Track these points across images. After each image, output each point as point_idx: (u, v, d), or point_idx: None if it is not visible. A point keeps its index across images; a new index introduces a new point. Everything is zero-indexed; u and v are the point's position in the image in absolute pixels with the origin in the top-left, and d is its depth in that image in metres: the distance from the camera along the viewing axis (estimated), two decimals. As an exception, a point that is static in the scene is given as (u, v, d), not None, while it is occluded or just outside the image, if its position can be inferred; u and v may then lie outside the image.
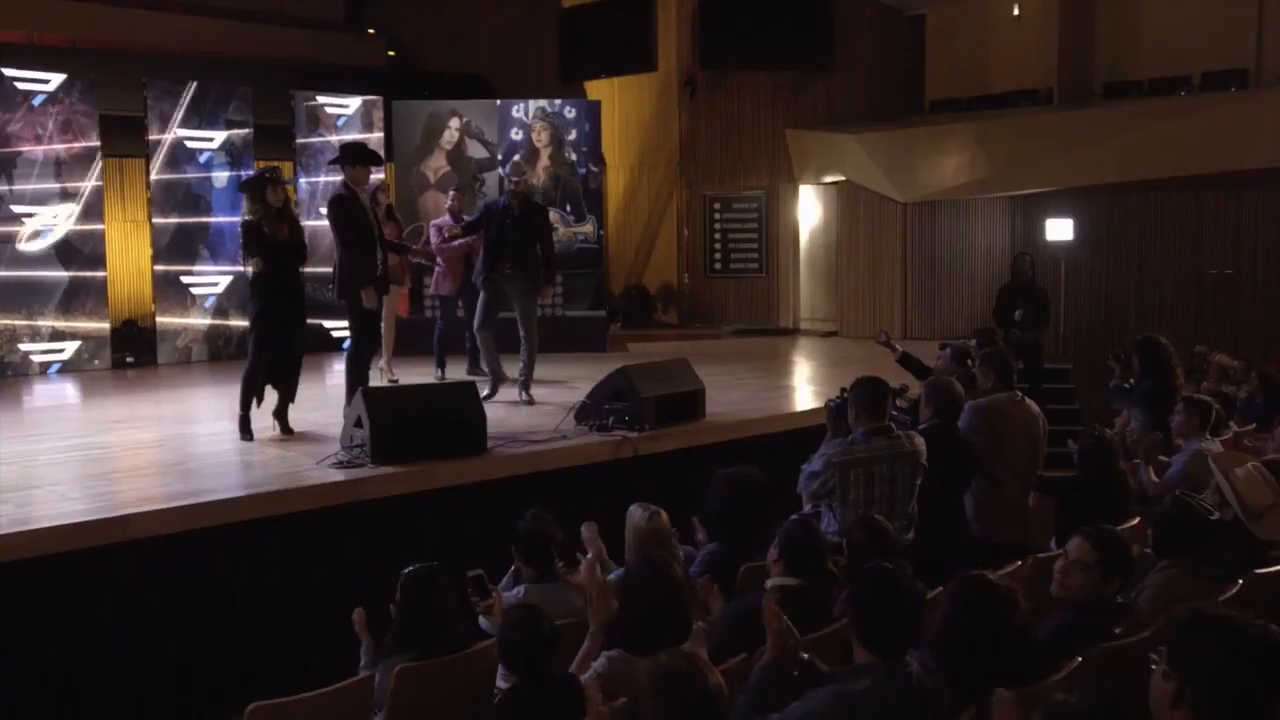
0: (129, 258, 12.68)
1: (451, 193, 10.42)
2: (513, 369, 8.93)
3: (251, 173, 10.26)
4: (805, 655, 3.30)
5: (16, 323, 10.91)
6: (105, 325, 11.49)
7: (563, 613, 4.37)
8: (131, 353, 11.80)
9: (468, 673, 4.06)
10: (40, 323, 11.02)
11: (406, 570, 4.15)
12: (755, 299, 15.59)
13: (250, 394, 7.42)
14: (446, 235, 9.53)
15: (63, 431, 7.99)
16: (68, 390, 10.37)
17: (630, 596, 3.58)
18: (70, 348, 11.19)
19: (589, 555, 4.70)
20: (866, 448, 5.21)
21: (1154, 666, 2.34)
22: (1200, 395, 6.39)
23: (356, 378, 7.42)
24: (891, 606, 3.01)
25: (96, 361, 11.32)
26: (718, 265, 15.68)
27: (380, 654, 4.16)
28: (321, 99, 12.93)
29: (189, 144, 11.83)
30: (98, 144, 11.35)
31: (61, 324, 11.15)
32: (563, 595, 4.58)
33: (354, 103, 13.05)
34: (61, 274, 11.14)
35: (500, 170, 10.51)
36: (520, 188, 8.81)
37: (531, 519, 4.77)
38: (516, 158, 9.76)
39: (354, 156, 7.58)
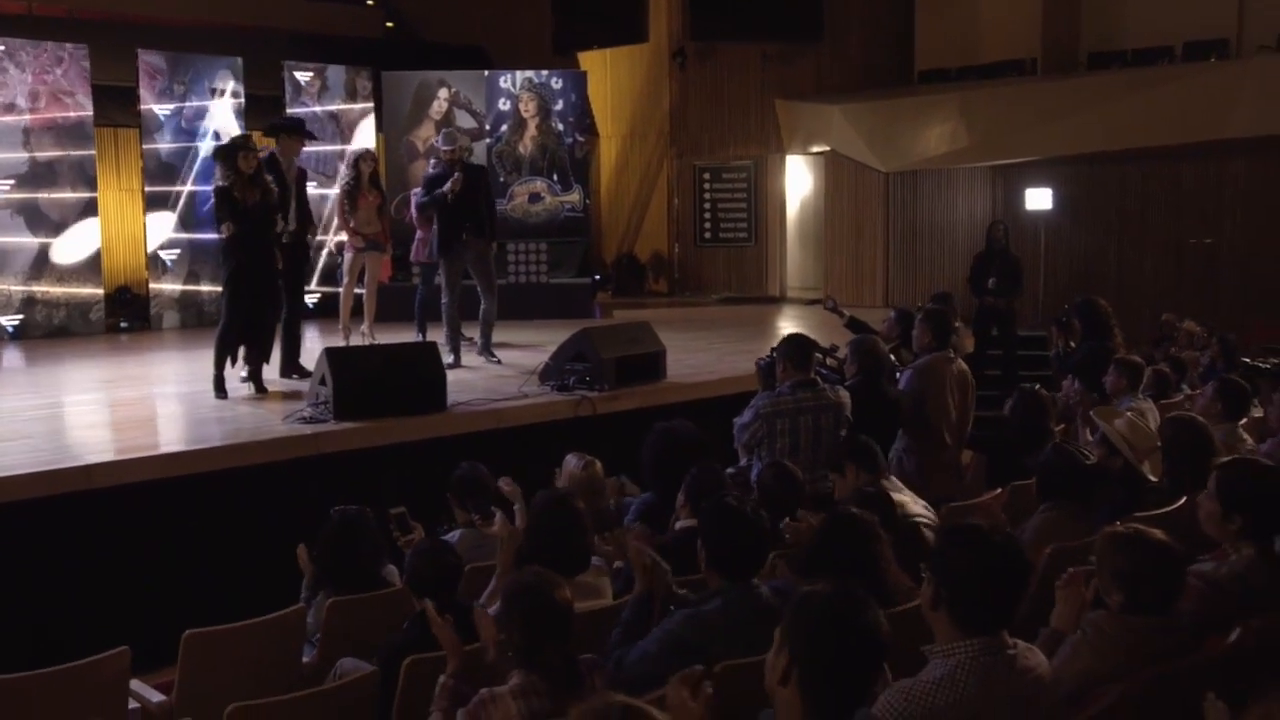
0: (123, 226, 12.95)
1: (432, 161, 10.63)
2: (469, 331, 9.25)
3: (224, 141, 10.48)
4: (682, 591, 3.57)
5: (13, 288, 11.23)
6: (100, 291, 11.79)
7: (491, 555, 4.64)
8: (125, 318, 12.10)
9: (394, 608, 4.32)
10: (36, 288, 11.33)
11: (333, 510, 4.42)
12: (745, 268, 15.78)
13: (225, 354, 7.69)
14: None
15: (47, 390, 8.29)
16: (60, 353, 10.63)
17: (534, 527, 3.85)
18: (67, 313, 11.51)
19: (516, 506, 4.95)
20: (792, 399, 5.47)
21: (924, 575, 2.57)
22: (1131, 356, 6.58)
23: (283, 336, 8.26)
24: (736, 535, 3.27)
25: (89, 326, 11.64)
26: (707, 234, 15.88)
27: (310, 587, 4.45)
28: (304, 68, 13.13)
29: (179, 114, 12.08)
30: (90, 113, 11.61)
31: (57, 290, 11.45)
32: (492, 540, 4.84)
33: (337, 72, 13.25)
34: (64, 239, 11.47)
35: (435, 140, 10.70)
36: (456, 155, 8.99)
37: (467, 468, 5.04)
38: (449, 129, 9.93)
39: (283, 128, 8.30)
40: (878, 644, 2.23)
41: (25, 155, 11.30)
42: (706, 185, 15.80)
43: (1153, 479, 4.27)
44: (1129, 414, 4.48)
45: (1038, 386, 5.87)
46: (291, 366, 8.55)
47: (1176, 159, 12.85)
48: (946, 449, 6.14)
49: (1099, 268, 13.43)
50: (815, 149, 15.07)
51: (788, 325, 12.92)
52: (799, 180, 15.86)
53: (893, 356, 6.64)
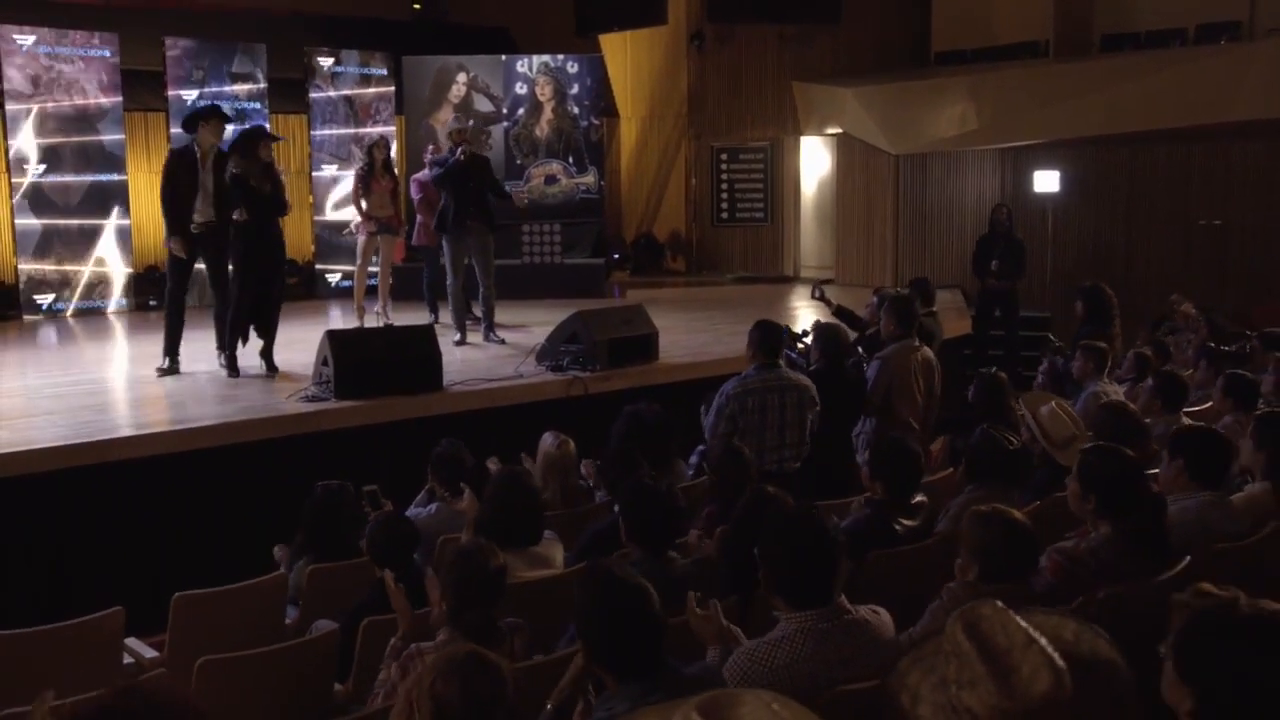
0: (153, 207, 13.34)
1: (430, 147, 11.00)
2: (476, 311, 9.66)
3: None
4: None
5: (46, 268, 11.73)
6: (129, 270, 12.26)
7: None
8: (154, 295, 12.55)
9: (367, 574, 4.69)
10: (69, 267, 11.82)
11: (316, 485, 4.79)
12: (760, 247, 16.03)
13: (236, 334, 8.12)
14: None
15: (74, 368, 8.75)
16: (89, 331, 11.11)
17: (491, 500, 4.20)
18: (98, 292, 12.01)
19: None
20: (759, 380, 5.81)
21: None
22: (1096, 342, 6.80)
23: (173, 317, 8.22)
24: (650, 510, 3.60)
25: (119, 304, 12.13)
26: (724, 214, 16.12)
27: (293, 555, 4.83)
28: (326, 53, 13.46)
29: (203, 100, 12.47)
30: (120, 99, 12.06)
31: (88, 269, 11.94)
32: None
33: (351, 56, 13.58)
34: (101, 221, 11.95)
35: (450, 125, 11.08)
36: (466, 138, 9.38)
37: (446, 446, 5.39)
38: (459, 115, 10.37)
39: (195, 118, 8.30)
40: (648, 618, 2.58)
41: (56, 140, 11.75)
42: (724, 166, 16.03)
43: (1066, 465, 4.53)
44: (1054, 403, 4.75)
45: (994, 369, 6.12)
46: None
47: (1185, 140, 12.92)
48: (912, 433, 6.42)
49: (1107, 249, 13.55)
50: (830, 131, 15.26)
51: (799, 304, 13.17)
52: (815, 161, 16.05)
53: (864, 343, 6.94)
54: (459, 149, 9.25)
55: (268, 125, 12.58)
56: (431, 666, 2.15)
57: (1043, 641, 1.66)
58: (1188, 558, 3.27)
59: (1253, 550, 3.45)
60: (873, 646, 2.75)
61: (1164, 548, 3.26)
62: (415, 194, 10.61)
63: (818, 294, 8.03)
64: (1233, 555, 3.39)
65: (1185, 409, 6.02)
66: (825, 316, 7.91)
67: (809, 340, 6.69)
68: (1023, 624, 1.68)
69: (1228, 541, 3.48)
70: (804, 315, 12.45)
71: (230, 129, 11.48)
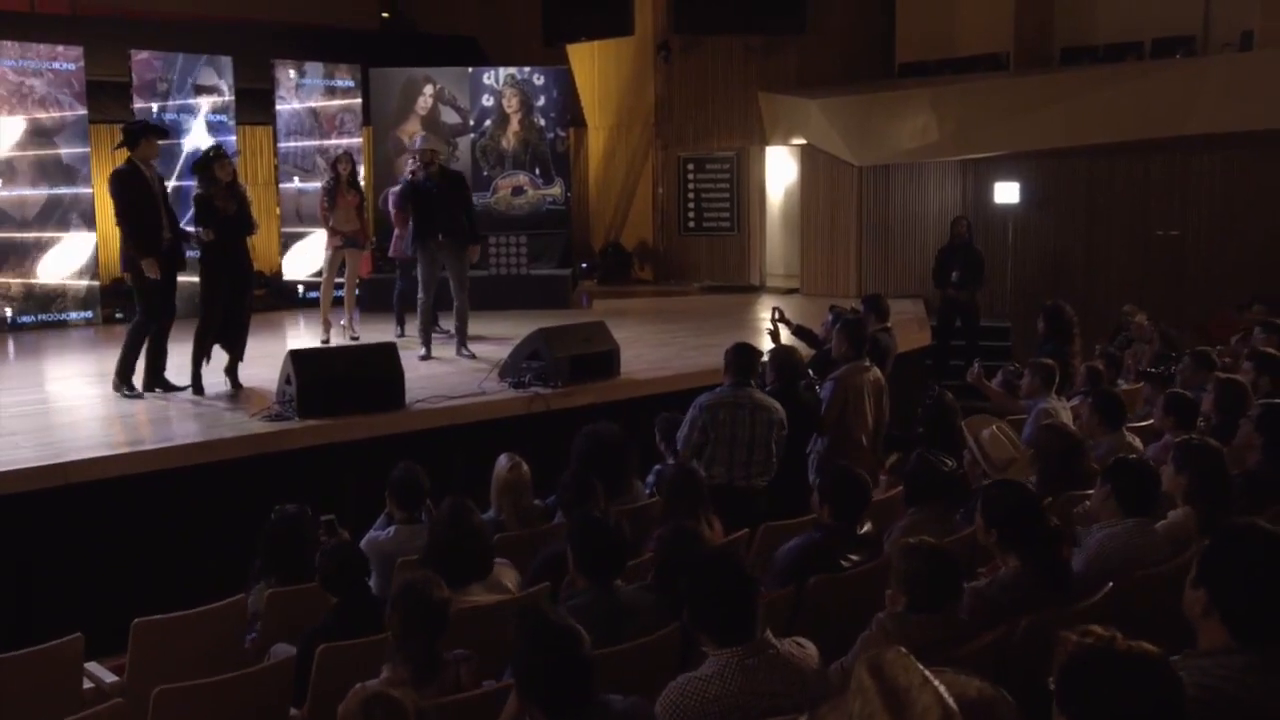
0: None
1: (411, 159, 11.06)
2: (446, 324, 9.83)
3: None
4: None
5: (10, 280, 11.72)
6: (96, 283, 12.26)
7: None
8: (120, 308, 12.55)
9: (324, 599, 4.77)
10: (33, 280, 11.81)
11: (274, 510, 4.88)
12: (727, 256, 16.15)
13: (202, 352, 8.16)
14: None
15: (35, 385, 8.77)
16: (54, 345, 11.08)
17: (433, 537, 4.29)
18: (63, 304, 12.01)
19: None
20: (732, 396, 5.99)
21: None
22: (1044, 360, 6.97)
23: (132, 347, 8.03)
24: (598, 543, 3.71)
25: (88, 316, 12.14)
26: (691, 224, 16.23)
27: (252, 579, 4.91)
28: (292, 64, 13.48)
29: (164, 112, 12.49)
30: (84, 111, 12.05)
31: (53, 281, 11.94)
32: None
33: (315, 68, 13.61)
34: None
35: (412, 143, 11.17)
36: (430, 159, 9.46)
37: (403, 469, 5.47)
38: (425, 134, 10.51)
39: (137, 133, 7.94)
40: (577, 661, 2.70)
41: (15, 153, 11.71)
42: (690, 175, 16.14)
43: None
44: (995, 425, 4.90)
45: (941, 390, 6.28)
46: (156, 379, 8.17)
47: (1143, 152, 13.15)
48: (863, 451, 6.59)
49: (1067, 260, 13.77)
50: (796, 141, 15.41)
51: (748, 316, 13.24)
52: (780, 171, 16.20)
53: (815, 363, 7.11)
54: (411, 168, 9.36)
55: (234, 138, 12.63)
56: (349, 707, 2.27)
57: (937, 683, 1.80)
58: (1109, 584, 3.40)
59: (1172, 576, 3.58)
60: (799, 679, 2.87)
61: (1065, 579, 3.41)
62: (393, 206, 10.69)
63: (777, 316, 8.17)
64: (1153, 581, 3.53)
65: (1129, 425, 6.19)
66: (786, 336, 8.06)
67: (765, 361, 6.82)
68: (920, 666, 1.82)
69: (1150, 568, 3.62)
70: (738, 327, 12.51)
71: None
